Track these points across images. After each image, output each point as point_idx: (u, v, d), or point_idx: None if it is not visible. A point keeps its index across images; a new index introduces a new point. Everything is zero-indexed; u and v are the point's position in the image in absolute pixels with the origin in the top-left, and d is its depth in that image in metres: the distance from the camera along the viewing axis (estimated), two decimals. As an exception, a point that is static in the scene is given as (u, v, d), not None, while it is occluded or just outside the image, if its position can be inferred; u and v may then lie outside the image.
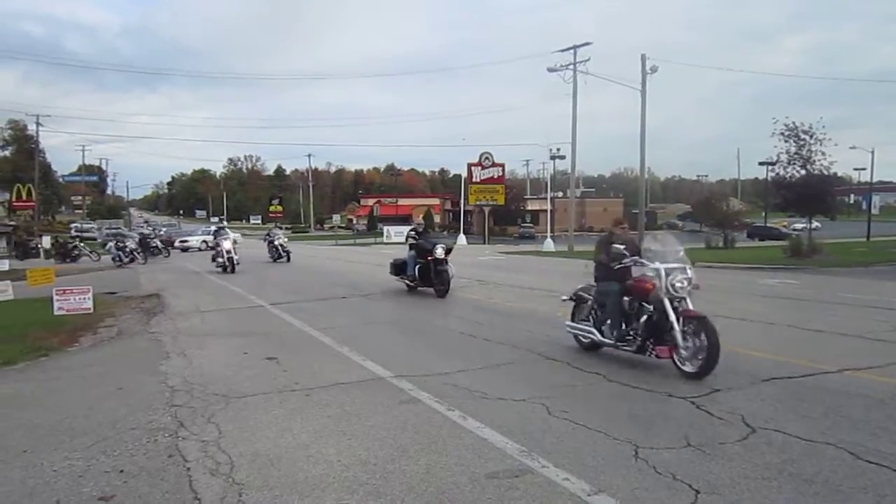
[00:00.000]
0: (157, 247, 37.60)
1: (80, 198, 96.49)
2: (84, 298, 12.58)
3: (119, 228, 65.38)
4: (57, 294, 12.56)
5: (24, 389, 7.29)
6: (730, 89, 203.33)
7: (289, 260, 28.01)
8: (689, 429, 5.18)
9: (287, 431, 5.39)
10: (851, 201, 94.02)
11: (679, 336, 6.91)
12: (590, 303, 8.25)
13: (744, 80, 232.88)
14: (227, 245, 23.26)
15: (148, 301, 15.53)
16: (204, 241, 46.00)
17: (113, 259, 31.49)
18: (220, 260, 23.45)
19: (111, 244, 33.98)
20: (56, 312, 12.22)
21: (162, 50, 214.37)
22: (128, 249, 31.52)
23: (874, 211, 63.95)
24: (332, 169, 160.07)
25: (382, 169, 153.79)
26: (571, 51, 40.94)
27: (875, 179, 66.02)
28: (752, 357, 7.84)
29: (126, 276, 24.57)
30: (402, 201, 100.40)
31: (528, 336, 9.56)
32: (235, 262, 23.06)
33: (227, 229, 26.84)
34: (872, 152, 57.97)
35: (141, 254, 32.12)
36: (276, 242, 28.75)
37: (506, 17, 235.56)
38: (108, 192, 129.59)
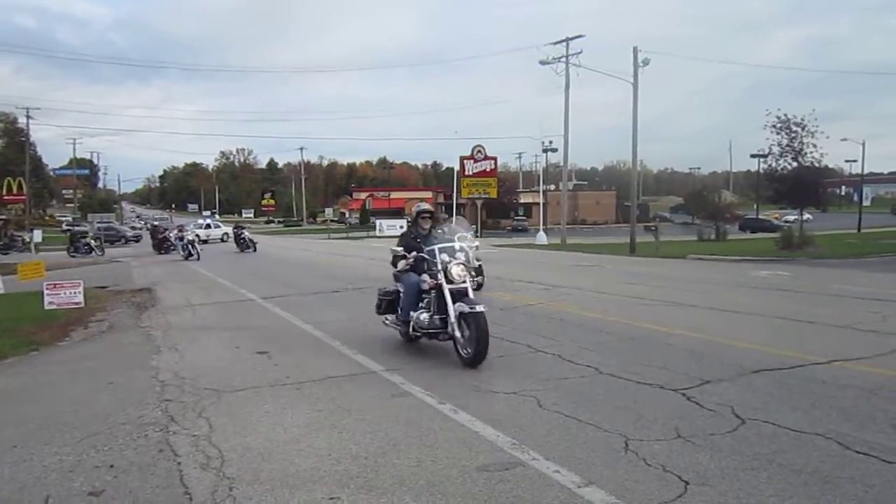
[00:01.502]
0: (247, 240, 34.93)
1: (71, 191, 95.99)
2: (75, 293, 12.50)
3: (110, 222, 64.99)
4: (47, 288, 12.49)
5: (14, 384, 7.27)
6: (723, 82, 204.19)
7: (480, 286, 12.72)
8: (680, 420, 5.20)
9: (278, 425, 5.38)
10: (843, 193, 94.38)
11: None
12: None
13: (736, 72, 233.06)
14: (455, 270, 7.57)
15: (139, 295, 15.49)
16: (196, 235, 45.68)
17: (181, 251, 30.91)
18: (427, 327, 7.82)
19: (173, 236, 33.25)
20: (46, 307, 12.15)
21: (155, 43, 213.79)
22: (185, 242, 30.81)
23: (865, 202, 64.34)
24: (325, 162, 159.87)
25: (375, 162, 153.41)
26: (564, 43, 40.94)
27: (866, 171, 66.15)
28: (742, 349, 7.88)
29: (117, 270, 24.47)
30: (394, 195, 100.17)
31: (520, 329, 9.56)
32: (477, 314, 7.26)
33: (461, 221, 13.72)
34: (863, 144, 58.25)
35: (195, 248, 30.72)
36: (470, 250, 10.24)
37: (499, 9, 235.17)
38: (100, 185, 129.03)
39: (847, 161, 78.25)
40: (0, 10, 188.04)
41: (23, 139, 75.00)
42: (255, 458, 4.66)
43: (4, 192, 65.21)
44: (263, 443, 4.97)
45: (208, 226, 54.91)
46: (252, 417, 5.62)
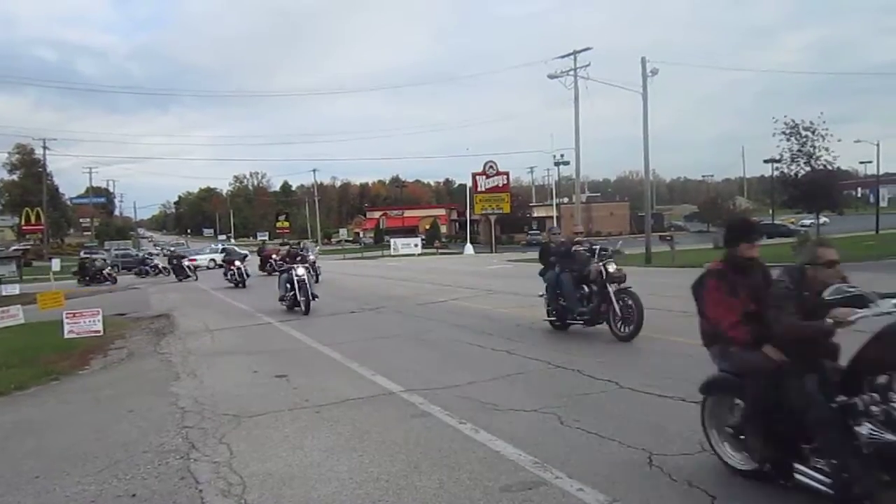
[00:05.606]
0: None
1: (88, 220, 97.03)
2: (94, 321, 12.61)
3: (127, 249, 65.64)
4: (67, 317, 12.60)
5: (35, 414, 7.31)
6: (733, 88, 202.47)
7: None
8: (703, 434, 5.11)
9: (298, 450, 5.37)
10: (859, 195, 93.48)
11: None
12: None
13: (747, 78, 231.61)
14: None
15: (157, 321, 15.55)
16: (212, 260, 45.79)
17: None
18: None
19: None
20: (66, 335, 12.25)
21: (171, 71, 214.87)
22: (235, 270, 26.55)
23: (882, 203, 63.59)
24: (338, 183, 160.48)
25: (387, 181, 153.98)
26: (572, 57, 40.98)
27: (881, 172, 65.52)
28: (764, 358, 7.76)
29: (135, 297, 24.64)
30: (408, 213, 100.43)
31: (537, 345, 9.51)
32: None
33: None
34: (878, 145, 57.73)
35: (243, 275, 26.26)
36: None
37: (508, 24, 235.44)
38: (116, 213, 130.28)
39: (862, 162, 77.57)
40: (21, 44, 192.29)
41: (40, 170, 76.10)
42: (276, 483, 4.65)
43: (23, 222, 66.15)
44: (284, 468, 4.95)
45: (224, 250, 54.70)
46: (272, 442, 5.61)
